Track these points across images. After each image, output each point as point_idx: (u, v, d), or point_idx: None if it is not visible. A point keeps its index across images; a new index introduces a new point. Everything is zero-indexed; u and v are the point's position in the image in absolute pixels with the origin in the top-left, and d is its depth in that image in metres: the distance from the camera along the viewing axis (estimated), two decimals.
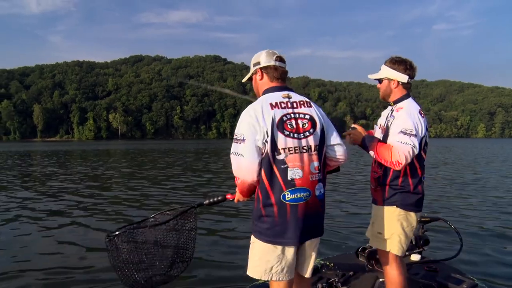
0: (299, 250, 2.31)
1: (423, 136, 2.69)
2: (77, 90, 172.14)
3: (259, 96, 2.37)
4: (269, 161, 2.15)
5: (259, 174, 2.18)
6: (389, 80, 2.81)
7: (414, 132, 2.59)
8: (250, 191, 2.30)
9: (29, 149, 50.69)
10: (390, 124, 2.73)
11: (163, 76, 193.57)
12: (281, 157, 2.15)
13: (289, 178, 2.14)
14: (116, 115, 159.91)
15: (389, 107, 2.89)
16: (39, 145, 74.56)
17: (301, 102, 2.30)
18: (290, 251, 2.23)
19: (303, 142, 2.21)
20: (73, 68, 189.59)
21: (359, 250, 3.61)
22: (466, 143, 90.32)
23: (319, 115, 2.32)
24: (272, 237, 2.19)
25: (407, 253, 3.49)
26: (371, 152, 2.73)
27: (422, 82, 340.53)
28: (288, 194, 2.14)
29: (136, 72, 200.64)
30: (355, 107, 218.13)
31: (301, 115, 2.26)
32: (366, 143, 2.76)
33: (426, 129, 2.74)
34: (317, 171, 2.23)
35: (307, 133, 2.23)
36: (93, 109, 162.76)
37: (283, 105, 2.25)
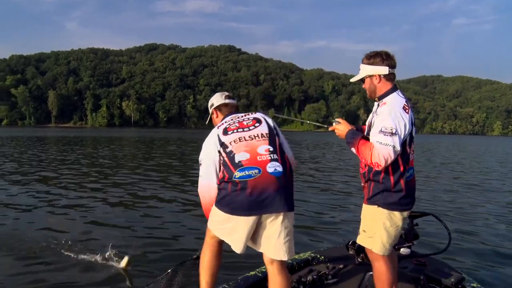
0: (260, 226, 2.50)
1: (408, 133, 2.58)
2: (92, 77, 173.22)
3: None
4: (222, 156, 2.55)
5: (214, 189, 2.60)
6: (370, 76, 2.73)
7: (394, 131, 2.50)
8: (210, 208, 2.66)
9: (44, 135, 51.01)
10: (373, 121, 2.67)
11: (177, 65, 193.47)
12: (229, 149, 2.53)
13: (236, 161, 2.46)
14: (129, 102, 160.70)
15: (376, 102, 2.81)
16: (53, 131, 75.26)
17: (246, 113, 2.79)
18: (240, 220, 2.45)
19: (249, 133, 2.58)
20: (88, 55, 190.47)
21: (350, 243, 3.66)
22: (481, 140, 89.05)
23: (265, 117, 2.73)
24: (225, 206, 2.49)
25: (396, 247, 3.48)
26: (353, 149, 2.69)
27: (438, 78, 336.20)
28: (237, 174, 2.43)
29: (150, 61, 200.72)
30: (368, 100, 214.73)
31: (245, 119, 2.71)
32: (348, 139, 2.72)
33: (412, 124, 2.63)
34: (268, 152, 2.50)
35: (252, 127, 2.62)
36: (106, 96, 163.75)
37: (228, 120, 2.75)
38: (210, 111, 2.97)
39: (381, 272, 2.77)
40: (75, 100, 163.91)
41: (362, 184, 2.85)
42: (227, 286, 3.08)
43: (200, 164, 2.67)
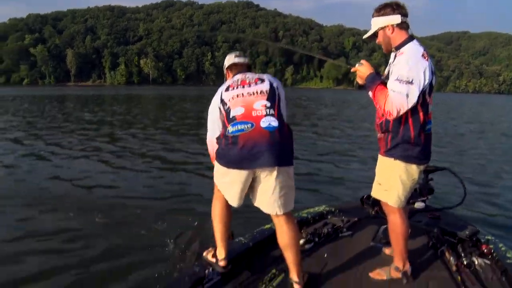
0: (256, 181, 2.53)
1: (427, 82, 2.49)
2: (109, 35, 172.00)
3: None
4: (221, 113, 2.59)
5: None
6: (383, 28, 2.65)
7: (410, 80, 2.42)
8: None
9: (64, 93, 51.43)
10: (391, 71, 2.60)
11: (194, 21, 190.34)
12: (227, 106, 2.55)
13: (231, 116, 2.50)
14: (147, 60, 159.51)
15: (392, 53, 2.74)
16: (73, 90, 76.04)
17: (254, 74, 2.73)
18: (234, 173, 2.50)
19: (248, 89, 2.57)
20: (104, 13, 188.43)
21: (364, 197, 3.78)
22: (508, 100, 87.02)
23: (271, 78, 2.68)
24: (221, 159, 2.57)
25: (411, 201, 3.65)
26: (370, 93, 2.61)
27: (465, 34, 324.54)
28: (230, 128, 2.47)
29: (168, 17, 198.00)
30: (390, 57, 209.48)
31: (248, 78, 2.66)
32: (367, 82, 2.63)
33: (432, 73, 2.54)
34: (264, 108, 2.48)
35: (253, 84, 2.59)
36: (124, 54, 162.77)
37: (235, 79, 2.71)
38: (224, 72, 2.98)
39: (396, 224, 2.78)
40: (93, 58, 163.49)
41: (378, 135, 2.80)
42: (243, 239, 3.20)
43: (208, 119, 2.73)
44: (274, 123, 2.43)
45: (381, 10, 2.63)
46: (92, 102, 31.48)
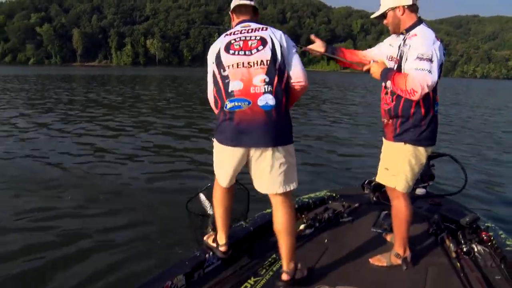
0: (251, 161, 2.49)
1: (441, 63, 2.50)
2: (115, 14, 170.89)
3: None
4: (216, 78, 2.49)
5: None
6: (393, 9, 2.61)
7: (430, 57, 2.40)
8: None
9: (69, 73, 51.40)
10: (405, 54, 2.56)
11: (201, 1, 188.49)
12: (225, 73, 2.44)
13: (229, 90, 2.41)
14: (153, 41, 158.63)
15: (400, 36, 2.70)
16: (78, 70, 75.93)
17: (257, 28, 2.53)
18: (228, 151, 2.48)
19: (250, 58, 2.42)
20: None
21: (365, 183, 3.87)
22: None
23: (273, 36, 2.47)
24: (218, 135, 2.52)
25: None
26: (388, 82, 2.55)
27: (474, 18, 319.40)
28: (228, 103, 2.41)
29: None
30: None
31: (252, 37, 2.47)
32: (383, 75, 2.60)
33: (444, 54, 2.54)
34: (263, 83, 2.37)
35: (255, 51, 2.42)
36: (131, 35, 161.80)
37: (236, 33, 2.53)
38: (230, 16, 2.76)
39: (400, 210, 2.77)
40: (99, 38, 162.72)
41: (385, 121, 2.78)
42: (244, 223, 3.19)
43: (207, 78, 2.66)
44: (271, 101, 2.37)
45: None
46: (96, 82, 31.58)
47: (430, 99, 2.58)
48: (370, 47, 3.25)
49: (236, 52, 2.45)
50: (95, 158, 7.22)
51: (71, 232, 4.14)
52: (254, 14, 2.67)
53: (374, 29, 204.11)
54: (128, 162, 6.99)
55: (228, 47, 2.48)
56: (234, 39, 2.50)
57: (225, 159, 2.53)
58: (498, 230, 3.25)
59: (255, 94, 2.37)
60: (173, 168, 6.62)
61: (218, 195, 2.74)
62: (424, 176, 3.75)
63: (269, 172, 2.45)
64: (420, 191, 3.87)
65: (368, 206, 3.70)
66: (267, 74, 2.39)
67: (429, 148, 2.70)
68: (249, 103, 2.36)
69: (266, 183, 2.49)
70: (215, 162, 2.64)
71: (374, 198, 3.72)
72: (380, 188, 3.59)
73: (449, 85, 56.39)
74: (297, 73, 2.47)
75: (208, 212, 4.22)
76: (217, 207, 2.77)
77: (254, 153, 2.44)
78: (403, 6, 2.57)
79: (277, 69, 2.41)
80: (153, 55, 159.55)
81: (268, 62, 2.40)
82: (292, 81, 2.46)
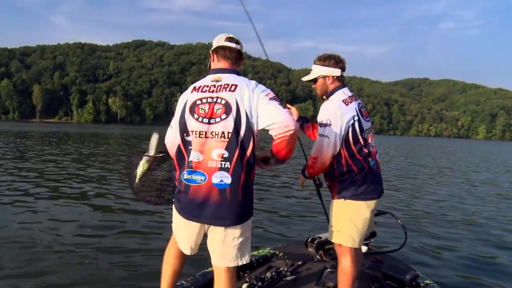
0: (208, 231, 2.36)
1: (351, 122, 2.69)
2: (78, 72, 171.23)
3: None
4: (179, 141, 2.29)
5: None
6: (324, 77, 2.86)
7: (329, 122, 2.63)
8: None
9: (28, 130, 50.01)
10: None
11: (164, 62, 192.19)
12: (189, 138, 2.25)
13: (189, 159, 2.24)
14: (116, 99, 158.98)
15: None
16: (38, 126, 74.10)
17: (226, 86, 2.27)
18: (184, 222, 2.35)
19: (212, 127, 2.21)
20: (74, 50, 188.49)
21: (309, 240, 3.84)
22: (464, 144, 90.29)
23: (240, 100, 2.22)
24: (175, 202, 2.38)
25: None
26: (306, 173, 2.86)
27: (425, 80, 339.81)
28: (185, 174, 2.25)
29: (138, 57, 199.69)
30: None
31: (219, 99, 2.24)
32: (302, 122, 2.84)
33: (359, 113, 2.75)
34: (220, 159, 2.19)
35: (218, 119, 2.21)
36: (93, 92, 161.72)
37: (204, 89, 2.30)
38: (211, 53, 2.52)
39: (346, 267, 2.80)
40: (60, 95, 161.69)
41: (327, 183, 2.90)
42: (185, 283, 3.05)
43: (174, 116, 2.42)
44: (227, 179, 2.18)
45: (326, 60, 2.86)
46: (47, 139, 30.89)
47: (357, 158, 2.71)
48: None
49: (200, 119, 2.23)
50: None
51: None
52: (237, 60, 2.45)
53: None
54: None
55: (193, 109, 2.27)
56: (201, 100, 2.27)
57: (181, 228, 2.42)
58: (437, 287, 3.41)
59: (211, 169, 2.20)
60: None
61: (171, 256, 2.58)
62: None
63: (221, 245, 2.31)
64: (362, 248, 3.94)
65: (312, 263, 3.63)
66: (226, 148, 2.19)
67: (371, 202, 2.78)
68: (205, 178, 2.20)
69: (218, 255, 2.35)
70: (173, 223, 2.49)
71: (318, 256, 3.70)
72: (323, 246, 3.68)
73: (407, 143, 58.49)
74: (282, 120, 2.16)
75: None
76: (166, 267, 2.60)
77: (211, 230, 2.33)
78: (333, 76, 2.84)
79: (239, 143, 2.19)
80: (115, 113, 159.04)
81: (230, 134, 2.19)
82: (279, 132, 2.17)
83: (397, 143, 64.04)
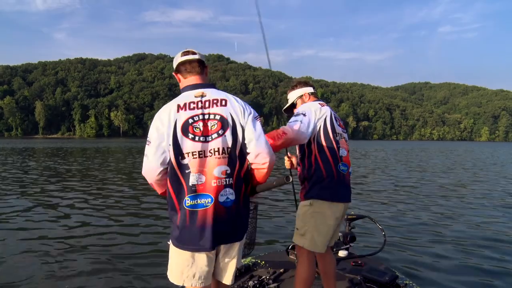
0: (217, 256, 2.22)
1: (324, 117, 2.85)
2: (80, 87, 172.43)
3: None
4: (173, 167, 2.09)
5: (163, 177, 2.15)
6: (300, 97, 3.13)
7: (304, 113, 2.80)
8: (158, 189, 2.26)
9: (31, 146, 50.13)
10: None
11: (165, 74, 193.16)
12: (185, 161, 2.07)
13: (190, 183, 2.06)
14: (117, 113, 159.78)
15: None
16: (41, 142, 74.30)
17: (215, 101, 2.17)
18: (200, 257, 2.13)
19: (211, 145, 2.09)
20: (75, 65, 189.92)
21: (289, 248, 3.94)
22: (467, 146, 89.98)
23: (234, 114, 2.16)
24: (179, 242, 2.12)
25: (334, 250, 3.83)
26: (271, 142, 2.77)
27: (426, 85, 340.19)
28: (188, 200, 2.06)
29: (139, 70, 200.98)
30: (357, 108, 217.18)
31: (212, 116, 2.13)
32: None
33: (333, 117, 2.90)
34: (224, 176, 2.10)
35: (215, 135, 2.10)
36: (95, 107, 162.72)
37: (192, 106, 2.14)
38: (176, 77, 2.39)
39: (300, 271, 2.83)
40: (62, 110, 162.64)
41: (301, 186, 2.93)
42: None
43: (147, 141, 2.13)
44: (232, 196, 2.11)
45: (297, 85, 3.18)
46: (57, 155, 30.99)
47: (329, 159, 2.80)
48: None
49: (197, 138, 2.08)
50: None
51: None
52: (202, 70, 2.30)
53: (334, 97, 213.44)
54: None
55: (186, 129, 2.09)
56: (193, 118, 2.11)
57: (196, 265, 2.15)
58: (416, 287, 3.50)
59: (216, 188, 2.08)
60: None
61: None
62: (346, 238, 3.92)
63: (231, 265, 2.26)
64: (342, 252, 3.99)
65: (293, 271, 3.60)
66: (228, 164, 2.11)
67: (337, 204, 2.82)
68: (212, 200, 2.06)
69: (230, 272, 2.28)
70: (178, 271, 2.18)
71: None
72: None
73: (408, 147, 58.33)
74: (260, 151, 2.15)
75: None
76: None
77: (223, 248, 2.20)
78: (308, 93, 3.12)
79: (238, 157, 2.14)
80: (117, 127, 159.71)
81: (229, 149, 2.11)
82: (256, 161, 2.17)
83: (393, 148, 63.61)
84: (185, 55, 2.29)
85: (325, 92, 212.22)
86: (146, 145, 2.13)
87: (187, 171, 2.07)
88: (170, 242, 2.19)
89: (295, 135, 2.70)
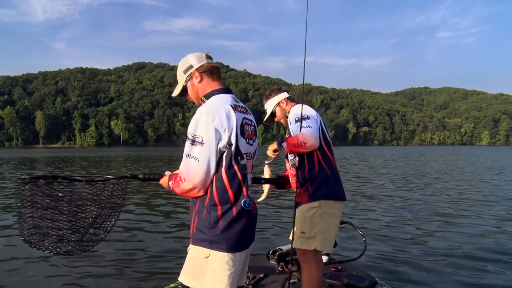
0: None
1: (319, 120, 2.85)
2: (80, 96, 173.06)
3: (200, 101, 2.15)
4: (232, 166, 2.00)
5: (210, 182, 1.99)
6: (278, 104, 3.12)
7: (306, 116, 2.76)
8: (185, 194, 2.05)
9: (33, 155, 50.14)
10: (290, 129, 2.91)
11: (165, 83, 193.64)
12: (243, 162, 2.04)
13: (248, 183, 2.08)
14: (118, 121, 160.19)
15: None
16: (41, 152, 74.42)
17: (245, 108, 2.18)
18: (241, 258, 2.10)
19: (252, 148, 2.13)
20: (76, 75, 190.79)
21: (270, 253, 3.90)
22: (468, 150, 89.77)
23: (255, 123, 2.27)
24: (224, 242, 1.98)
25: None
26: (284, 144, 2.77)
27: (425, 89, 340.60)
28: (248, 200, 2.02)
29: (139, 79, 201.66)
30: (357, 114, 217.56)
31: (249, 121, 2.14)
32: (279, 144, 2.86)
33: (322, 123, 2.89)
34: (250, 179, 2.18)
35: (253, 139, 2.14)
36: (95, 116, 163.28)
37: (239, 109, 2.08)
38: (188, 74, 2.17)
39: (311, 274, 2.80)
40: (63, 120, 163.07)
41: (299, 191, 2.82)
42: None
43: (197, 142, 1.93)
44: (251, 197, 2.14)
45: (271, 94, 3.17)
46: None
47: (329, 158, 2.83)
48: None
49: (249, 140, 2.09)
50: None
51: None
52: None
53: (334, 104, 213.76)
54: None
55: (242, 130, 2.05)
56: (245, 121, 2.08)
57: (239, 266, 2.08)
58: None
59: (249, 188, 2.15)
60: None
61: None
62: None
63: (245, 272, 2.28)
64: (323, 258, 4.02)
65: (274, 276, 3.64)
66: (252, 167, 2.21)
67: (341, 203, 2.87)
68: (250, 200, 2.08)
69: (244, 273, 2.27)
70: (228, 280, 2.01)
71: (279, 268, 3.72)
72: (284, 257, 3.71)
73: (407, 153, 58.09)
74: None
75: None
76: None
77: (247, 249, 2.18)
78: (285, 99, 3.11)
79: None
80: (118, 135, 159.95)
81: (254, 154, 2.20)
82: None
83: (391, 153, 63.48)
84: (209, 58, 2.19)
85: (324, 98, 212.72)
86: (194, 147, 1.93)
87: (245, 171, 2.05)
88: (210, 250, 2.00)
89: (313, 140, 2.69)
